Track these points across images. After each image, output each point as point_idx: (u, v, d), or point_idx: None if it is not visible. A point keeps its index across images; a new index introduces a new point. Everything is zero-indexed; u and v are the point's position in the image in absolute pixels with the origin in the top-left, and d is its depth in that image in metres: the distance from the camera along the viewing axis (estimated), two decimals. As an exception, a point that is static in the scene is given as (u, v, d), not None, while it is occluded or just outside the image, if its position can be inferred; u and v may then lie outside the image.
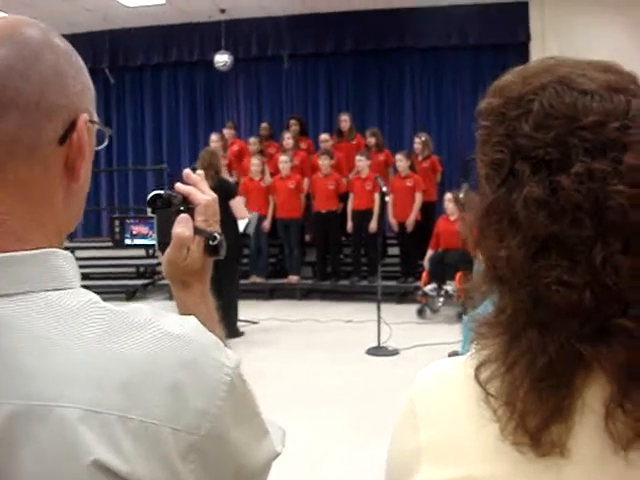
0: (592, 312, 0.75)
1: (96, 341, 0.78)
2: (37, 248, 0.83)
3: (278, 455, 0.97)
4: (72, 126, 0.87)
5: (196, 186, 1.21)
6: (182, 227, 1.16)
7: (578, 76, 0.82)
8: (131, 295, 10.92)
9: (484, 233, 0.82)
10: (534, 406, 0.76)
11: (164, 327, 0.81)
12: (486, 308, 0.85)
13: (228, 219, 7.48)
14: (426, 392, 0.89)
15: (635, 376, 0.75)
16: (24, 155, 0.83)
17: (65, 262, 0.85)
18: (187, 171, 1.24)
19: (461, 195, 8.30)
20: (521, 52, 12.13)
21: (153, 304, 9.66)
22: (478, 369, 0.82)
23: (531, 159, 0.79)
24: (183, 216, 1.17)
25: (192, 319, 0.86)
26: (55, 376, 0.75)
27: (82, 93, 0.90)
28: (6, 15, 0.89)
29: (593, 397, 0.77)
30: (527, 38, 12.06)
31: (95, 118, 0.94)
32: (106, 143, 1.00)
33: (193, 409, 0.79)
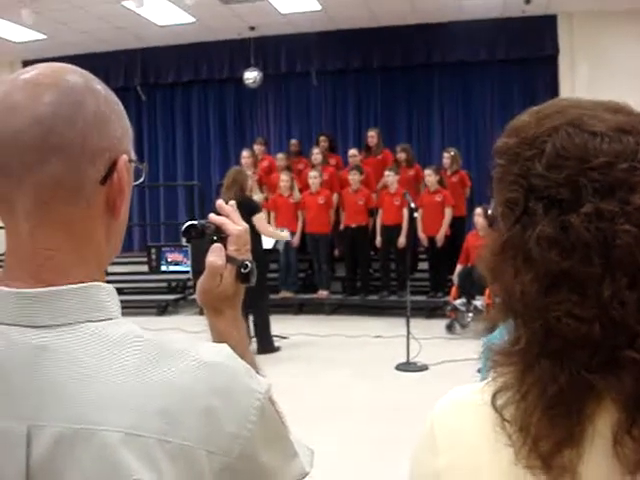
0: (601, 344, 0.79)
1: (136, 369, 0.83)
2: (81, 282, 0.88)
3: (306, 475, 1.01)
4: (113, 167, 0.92)
5: (228, 217, 1.27)
6: (215, 256, 1.21)
7: (589, 118, 0.86)
8: (163, 310, 11.01)
9: (500, 268, 0.87)
10: (546, 432, 0.80)
11: (199, 356, 0.87)
12: (501, 334, 0.90)
13: (252, 236, 7.52)
14: (445, 417, 0.93)
15: None
16: (69, 195, 0.89)
17: (107, 295, 0.91)
18: (220, 202, 1.30)
19: (490, 211, 8.29)
20: (550, 66, 12.11)
21: (185, 319, 9.74)
22: (494, 396, 0.86)
23: (544, 198, 0.83)
24: (216, 245, 1.23)
25: (225, 347, 0.92)
26: (98, 402, 0.81)
27: (122, 136, 0.95)
28: (49, 64, 0.94)
29: (603, 424, 0.81)
30: (555, 52, 12.01)
31: (133, 157, 0.99)
32: (142, 179, 1.05)
33: (226, 432, 0.84)
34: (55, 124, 0.87)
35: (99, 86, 0.95)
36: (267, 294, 8.50)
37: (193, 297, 10.94)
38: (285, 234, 8.88)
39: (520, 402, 0.83)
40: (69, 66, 0.94)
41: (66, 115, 0.88)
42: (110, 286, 0.93)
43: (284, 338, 8.77)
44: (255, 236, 7.74)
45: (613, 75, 10.95)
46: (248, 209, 7.56)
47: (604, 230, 0.79)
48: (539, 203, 0.83)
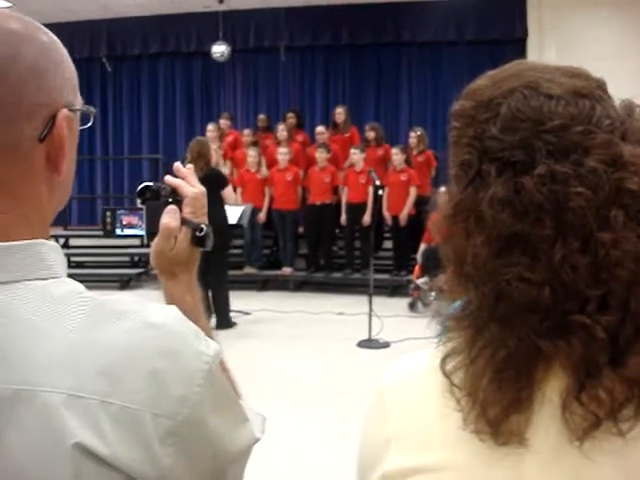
0: (551, 308, 0.78)
1: (79, 329, 0.80)
2: (24, 240, 0.85)
3: (257, 441, 0.99)
4: (52, 122, 0.87)
5: (185, 179, 1.24)
6: (169, 218, 1.19)
7: (546, 81, 0.85)
8: (125, 284, 10.90)
9: (452, 231, 0.86)
10: (494, 397, 0.80)
11: (145, 316, 0.84)
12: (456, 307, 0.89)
13: (217, 210, 7.49)
14: (395, 383, 0.92)
15: (591, 370, 0.78)
16: (5, 155, 0.84)
17: (51, 252, 0.88)
18: (177, 164, 1.27)
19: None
20: (518, 48, 12.14)
21: (147, 294, 9.68)
22: (444, 360, 0.85)
23: (497, 160, 0.82)
24: (170, 207, 1.21)
25: (173, 309, 0.89)
26: (39, 362, 0.78)
27: (62, 87, 0.89)
28: None
29: (552, 390, 0.80)
30: (525, 34, 12.06)
31: (78, 104, 0.94)
32: (90, 123, 1.00)
33: (172, 396, 0.81)
34: None
35: (39, 32, 0.89)
36: (226, 270, 8.45)
37: (156, 272, 10.92)
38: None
39: (469, 366, 0.83)
40: (9, 13, 0.88)
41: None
42: (55, 243, 0.90)
43: (246, 314, 8.75)
44: (221, 210, 7.69)
45: (581, 59, 10.65)
46: (217, 182, 7.49)
47: (557, 192, 0.78)
48: (492, 165, 0.82)
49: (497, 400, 0.80)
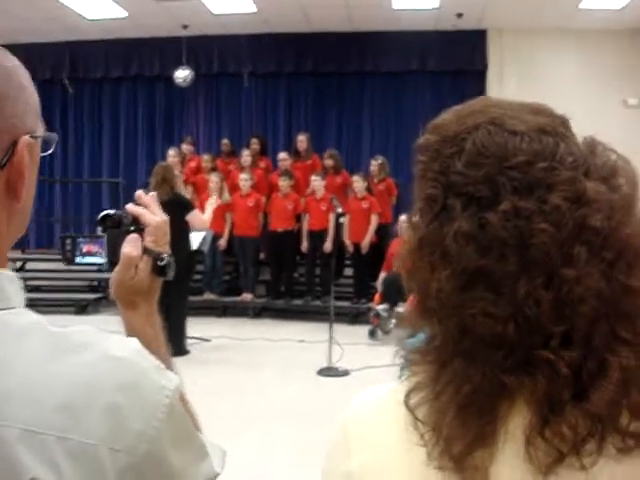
0: (515, 343, 0.78)
1: (37, 361, 0.78)
2: None
3: (217, 476, 0.97)
4: (13, 149, 0.86)
5: (148, 207, 1.23)
6: (130, 246, 1.18)
7: (510, 118, 0.86)
8: (81, 309, 10.67)
9: (416, 265, 0.86)
10: (459, 432, 0.79)
11: (105, 349, 0.82)
12: (419, 340, 0.89)
13: (181, 236, 7.45)
14: (359, 417, 0.92)
15: (555, 406, 0.78)
16: None
17: (8, 282, 0.86)
18: (139, 192, 1.26)
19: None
20: (479, 79, 12.34)
21: (105, 319, 9.54)
22: (408, 395, 0.85)
23: (462, 195, 0.83)
24: (132, 236, 1.19)
25: (134, 341, 0.88)
26: None
27: (24, 113, 0.88)
28: None
29: (516, 425, 0.80)
30: (485, 66, 12.28)
31: (40, 130, 0.92)
32: (52, 150, 0.99)
33: (131, 430, 0.79)
34: None
35: (2, 58, 0.88)
36: (187, 296, 8.36)
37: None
38: (213, 200, 8.64)
39: (434, 401, 0.82)
40: None
41: None
42: (12, 273, 0.88)
43: (206, 341, 8.67)
44: (185, 236, 7.66)
45: (541, 91, 11.19)
46: (181, 207, 7.46)
47: (521, 228, 0.79)
48: (457, 200, 0.83)
49: (461, 436, 0.79)
